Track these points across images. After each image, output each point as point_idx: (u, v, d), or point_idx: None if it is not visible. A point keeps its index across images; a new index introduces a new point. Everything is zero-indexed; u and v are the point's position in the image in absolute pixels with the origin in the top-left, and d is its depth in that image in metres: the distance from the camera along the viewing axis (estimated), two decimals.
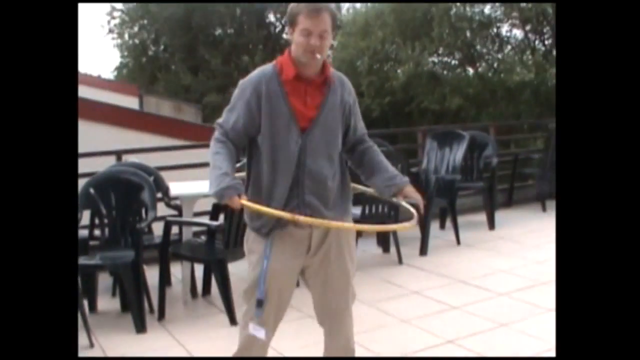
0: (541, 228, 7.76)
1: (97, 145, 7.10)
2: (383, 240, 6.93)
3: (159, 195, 5.62)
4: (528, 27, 18.00)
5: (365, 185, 3.38)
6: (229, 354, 3.25)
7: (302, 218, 2.85)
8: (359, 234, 6.96)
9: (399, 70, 18.62)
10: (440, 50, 18.83)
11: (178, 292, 5.65)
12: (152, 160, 6.35)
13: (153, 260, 5.51)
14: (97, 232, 5.27)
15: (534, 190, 9.52)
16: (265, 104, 2.95)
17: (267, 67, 3.05)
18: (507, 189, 9.43)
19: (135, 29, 27.27)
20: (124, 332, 4.77)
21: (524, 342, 4.34)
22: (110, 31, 27.31)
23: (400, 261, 6.39)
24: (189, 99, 23.32)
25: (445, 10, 17.39)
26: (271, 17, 27.36)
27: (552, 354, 4.08)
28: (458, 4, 17.73)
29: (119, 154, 6.84)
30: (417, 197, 3.21)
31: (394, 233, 6.51)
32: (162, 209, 5.64)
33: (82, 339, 4.46)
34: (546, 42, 18.18)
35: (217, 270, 4.97)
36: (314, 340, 3.40)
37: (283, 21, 27.19)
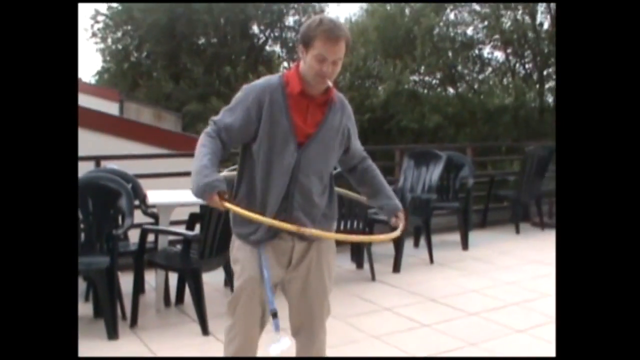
0: (514, 250, 7.87)
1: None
2: (357, 256, 6.98)
3: (137, 202, 5.64)
4: (509, 50, 18.22)
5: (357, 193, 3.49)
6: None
7: (307, 230, 2.91)
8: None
9: (380, 88, 18.77)
10: (422, 69, 19.01)
11: (151, 299, 5.66)
12: (130, 167, 6.37)
13: (128, 267, 5.53)
14: None
15: (509, 212, 9.64)
16: (266, 114, 2.97)
17: (273, 78, 3.08)
18: (482, 210, 9.54)
19: (119, 34, 27.26)
20: (96, 337, 4.77)
21: None
22: (94, 35, 27.27)
23: (373, 278, 6.44)
24: (169, 107, 23.31)
25: (428, 29, 17.56)
26: (255, 29, 27.45)
27: None
28: (441, 24, 17.92)
29: (97, 159, 6.84)
30: (402, 224, 3.35)
31: (369, 250, 6.57)
32: (139, 217, 5.66)
33: None
34: (526, 66, 18.40)
35: (191, 279, 4.99)
36: None
37: (267, 34, 27.29)
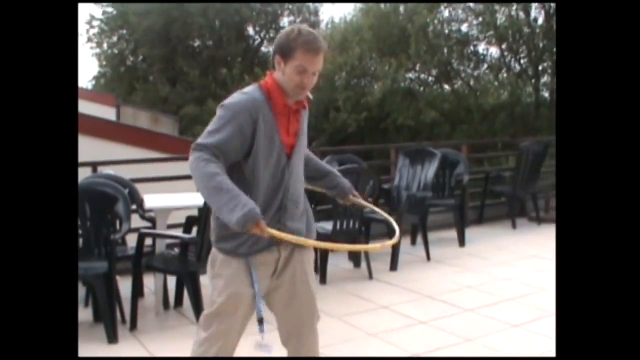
0: (510, 245, 7.92)
1: None
2: (354, 255, 7.03)
3: (134, 207, 5.69)
4: (504, 46, 18.26)
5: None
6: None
7: (322, 244, 2.98)
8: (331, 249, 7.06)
9: (375, 86, 18.81)
10: (417, 67, 19.05)
11: (150, 303, 5.71)
12: (127, 172, 6.41)
13: (126, 272, 5.58)
14: None
15: (505, 208, 9.68)
16: (260, 131, 2.89)
17: (255, 93, 2.96)
18: (478, 206, 9.58)
19: (114, 38, 27.28)
20: (96, 342, 4.82)
21: (488, 356, 4.45)
22: (89, 40, 27.29)
23: (370, 276, 6.49)
24: (166, 110, 23.34)
25: (422, 27, 17.60)
26: (250, 30, 27.48)
27: None
28: (435, 21, 17.96)
29: (94, 165, 6.88)
30: (364, 203, 3.41)
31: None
32: (136, 221, 5.70)
33: None
34: (521, 61, 18.45)
35: (189, 282, 5.04)
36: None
37: (262, 35, 27.31)
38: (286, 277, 3.15)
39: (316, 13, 27.37)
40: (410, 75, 19.53)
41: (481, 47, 19.09)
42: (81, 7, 25.28)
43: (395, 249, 6.87)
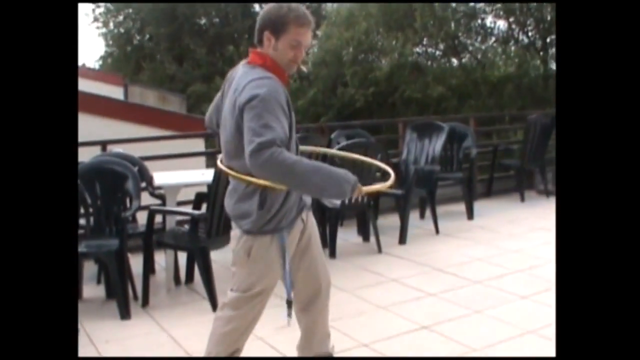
0: (519, 218, 7.94)
1: (82, 136, 7.14)
2: (363, 230, 7.07)
3: (143, 184, 5.73)
4: (512, 19, 18.14)
5: None
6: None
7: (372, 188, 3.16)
8: (341, 223, 7.12)
9: (383, 61, 18.74)
10: (425, 41, 18.96)
11: (162, 279, 5.77)
12: (136, 150, 6.45)
13: (137, 249, 5.63)
14: (82, 221, 5.38)
15: (514, 180, 9.69)
16: (291, 111, 2.96)
17: (270, 77, 2.91)
18: (486, 180, 9.59)
19: (120, 18, 27.23)
20: (109, 318, 4.89)
21: (496, 327, 4.49)
22: (95, 20, 27.26)
23: (379, 250, 6.53)
24: (173, 89, 23.35)
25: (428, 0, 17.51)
26: (256, 7, 27.35)
27: (523, 339, 4.25)
28: None
29: (103, 144, 6.93)
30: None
31: (374, 223, 6.65)
32: (146, 199, 5.75)
33: None
34: (529, 34, 18.33)
35: (199, 258, 5.08)
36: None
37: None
38: (307, 242, 3.23)
39: None
40: (418, 49, 19.43)
41: (488, 21, 18.98)
42: None
43: (404, 222, 6.91)
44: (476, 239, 6.99)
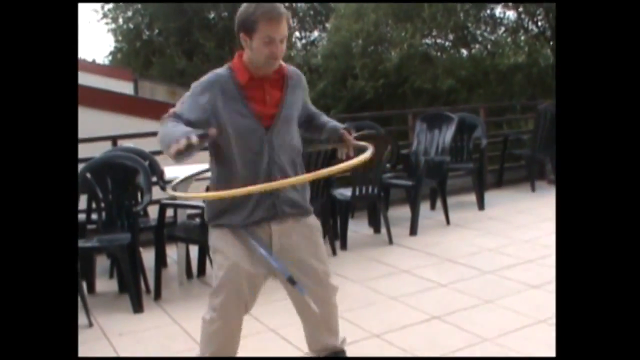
0: (530, 208, 7.93)
1: (93, 131, 7.24)
2: (374, 221, 7.08)
3: (154, 178, 5.75)
4: (521, 9, 18.07)
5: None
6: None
7: (281, 182, 2.92)
8: (352, 215, 7.13)
9: (392, 52, 18.70)
10: (434, 32, 18.90)
11: (174, 273, 5.80)
12: (147, 145, 6.47)
13: (149, 243, 5.67)
14: (94, 216, 5.42)
15: (524, 170, 9.67)
16: (221, 104, 2.96)
17: (220, 70, 3.06)
18: (497, 170, 9.58)
19: (129, 13, 27.21)
20: (122, 312, 4.93)
21: (507, 317, 4.49)
22: (104, 16, 27.25)
23: (390, 241, 6.54)
24: (183, 83, 23.29)
25: None
26: None
27: (533, 328, 4.26)
28: None
29: (114, 139, 6.96)
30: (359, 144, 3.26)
31: (385, 214, 6.66)
32: (157, 192, 5.77)
33: (82, 318, 4.62)
34: (539, 24, 18.26)
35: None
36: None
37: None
38: (290, 252, 3.16)
39: None
40: (427, 40, 19.37)
41: (497, 11, 18.90)
42: None
43: (415, 213, 6.92)
44: (487, 229, 6.99)
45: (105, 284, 5.62)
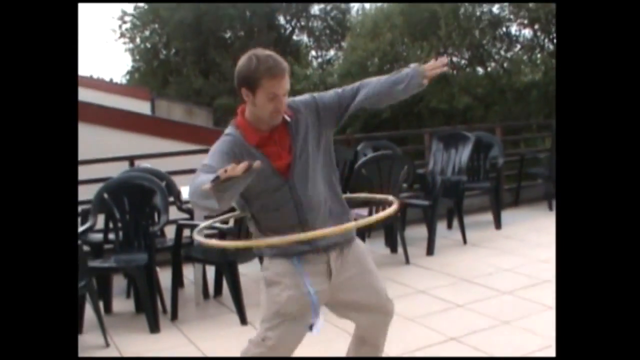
0: (547, 227, 7.85)
1: (110, 151, 7.29)
2: (391, 241, 7.07)
3: (171, 199, 5.78)
4: (537, 26, 18.09)
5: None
6: (239, 352, 3.22)
7: (318, 233, 2.87)
8: (368, 235, 7.13)
9: None
10: (449, 50, 18.94)
11: (190, 293, 5.80)
12: (164, 165, 6.51)
13: (166, 263, 5.68)
14: (111, 236, 5.44)
15: (541, 189, 9.63)
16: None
17: (230, 134, 2.97)
18: (514, 189, 9.55)
19: (147, 32, 27.50)
20: (138, 332, 4.93)
21: (525, 339, 4.46)
22: (122, 35, 27.55)
23: (407, 261, 6.52)
24: (200, 102, 23.49)
25: (453, 9, 17.48)
26: (281, 20, 27.54)
27: (552, 350, 4.22)
28: (466, 4, 17.83)
29: (131, 159, 7.00)
30: (438, 64, 3.22)
31: (402, 234, 6.65)
32: (174, 213, 5.79)
33: (98, 339, 4.64)
34: (555, 41, 18.25)
35: (228, 271, 5.12)
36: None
37: (293, 24, 27.34)
38: (346, 275, 3.13)
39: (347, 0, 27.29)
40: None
41: (513, 29, 18.93)
42: (113, 4, 25.55)
43: (431, 233, 6.90)
44: (504, 248, 6.96)
45: (122, 304, 5.63)
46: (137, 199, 5.41)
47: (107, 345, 4.68)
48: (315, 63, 26.76)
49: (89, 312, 4.81)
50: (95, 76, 20.26)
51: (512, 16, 18.17)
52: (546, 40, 18.39)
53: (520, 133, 13.59)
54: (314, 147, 3.05)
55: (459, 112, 17.30)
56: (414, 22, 18.71)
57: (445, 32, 17.46)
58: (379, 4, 22.09)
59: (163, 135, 10.50)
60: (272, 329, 3.02)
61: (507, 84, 17.18)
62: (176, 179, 6.20)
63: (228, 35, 26.98)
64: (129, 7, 27.22)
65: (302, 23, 27.82)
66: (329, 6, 26.78)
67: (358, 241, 3.28)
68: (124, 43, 27.83)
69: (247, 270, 5.41)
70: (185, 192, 5.75)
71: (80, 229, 5.14)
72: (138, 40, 27.73)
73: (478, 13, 18.30)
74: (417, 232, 7.45)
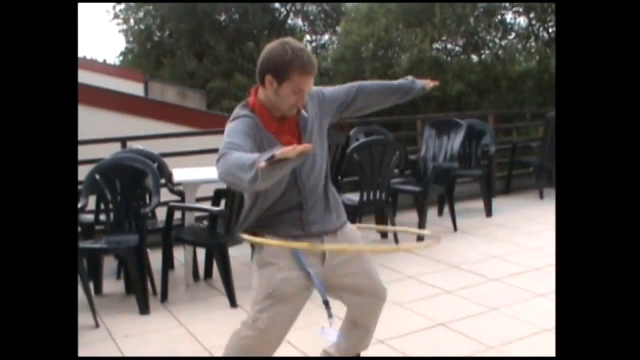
0: (537, 216, 7.91)
1: (103, 132, 7.29)
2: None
3: (163, 181, 5.79)
4: (532, 15, 18.08)
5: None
6: (229, 335, 3.25)
7: (324, 247, 3.02)
8: (359, 220, 7.13)
9: (402, 57, 18.71)
10: (444, 37, 18.92)
11: (181, 275, 5.82)
12: (156, 147, 6.51)
13: (157, 245, 5.69)
14: (102, 217, 5.44)
15: (533, 178, 9.66)
16: (263, 149, 2.84)
17: (249, 116, 2.92)
18: (505, 177, 9.58)
19: (141, 14, 27.32)
20: (128, 313, 4.95)
21: (512, 325, 4.50)
22: (116, 16, 27.37)
23: None
24: (193, 85, 23.40)
25: None
26: (276, 4, 27.39)
27: (539, 337, 4.26)
28: None
29: (124, 141, 6.99)
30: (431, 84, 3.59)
31: (392, 220, 6.68)
32: (165, 195, 5.80)
33: (88, 319, 4.65)
34: (550, 30, 18.25)
35: (218, 254, 5.13)
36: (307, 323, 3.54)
37: (288, 8, 27.24)
38: (340, 259, 3.15)
39: None
40: (437, 45, 19.39)
41: (509, 17, 18.91)
42: None
43: (422, 219, 6.93)
44: (494, 236, 6.99)
45: (113, 285, 5.64)
46: (129, 180, 5.41)
47: (97, 326, 4.69)
48: (309, 47, 26.67)
49: (79, 293, 4.81)
50: (89, 57, 20.12)
51: (507, 4, 18.15)
52: (541, 29, 18.38)
53: (513, 121, 13.63)
54: (317, 138, 3.08)
55: (453, 99, 17.29)
56: (409, 8, 18.66)
57: (440, 19, 17.42)
58: None
59: (156, 117, 10.50)
60: (264, 311, 3.04)
61: (502, 72, 17.17)
62: (168, 161, 6.21)
63: (223, 18, 26.83)
64: None
65: (297, 7, 27.70)
66: None
67: (351, 226, 3.31)
68: (118, 24, 27.64)
69: (238, 254, 5.43)
70: (177, 175, 5.77)
71: None
72: (132, 21, 27.55)
73: (473, 2, 18.28)
74: (408, 218, 7.47)
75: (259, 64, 2.93)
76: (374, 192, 6.40)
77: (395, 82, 3.49)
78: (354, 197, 6.42)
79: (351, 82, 3.34)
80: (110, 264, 5.82)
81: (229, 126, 2.90)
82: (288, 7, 27.41)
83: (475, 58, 19.58)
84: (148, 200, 5.45)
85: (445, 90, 17.21)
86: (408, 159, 7.67)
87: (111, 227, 5.35)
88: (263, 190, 2.87)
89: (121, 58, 28.90)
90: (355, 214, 6.58)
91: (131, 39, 28.08)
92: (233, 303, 5.01)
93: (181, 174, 5.85)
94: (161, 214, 5.67)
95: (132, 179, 5.40)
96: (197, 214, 5.90)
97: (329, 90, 3.23)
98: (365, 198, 6.35)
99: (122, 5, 27.12)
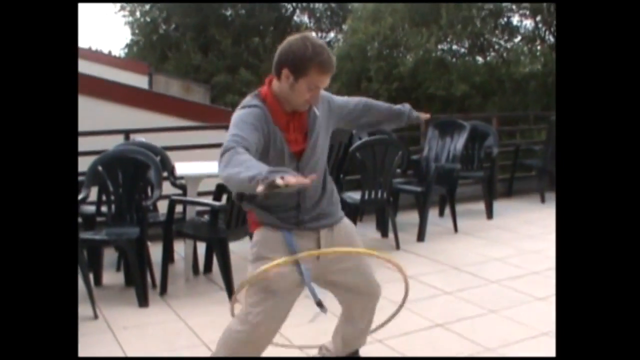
0: (538, 219, 7.91)
1: (106, 124, 7.29)
2: (382, 226, 7.09)
3: (165, 174, 5.79)
4: (538, 18, 18.05)
5: None
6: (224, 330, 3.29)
7: (329, 250, 3.06)
8: (360, 219, 7.14)
9: (408, 56, 18.70)
10: (450, 38, 18.90)
11: (180, 268, 5.82)
12: (159, 140, 6.51)
13: (157, 237, 5.69)
14: (104, 209, 5.44)
15: (535, 181, 9.65)
16: (271, 143, 2.90)
17: (258, 107, 2.92)
18: (507, 179, 9.57)
19: (147, 6, 27.30)
20: (127, 305, 4.95)
21: (510, 328, 4.49)
22: (122, 8, 27.37)
23: (397, 246, 6.54)
24: (198, 79, 23.39)
25: None
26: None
27: (536, 340, 4.26)
28: None
29: (127, 133, 6.99)
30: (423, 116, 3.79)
31: (393, 219, 6.68)
32: (167, 188, 5.80)
33: (87, 310, 4.66)
34: (556, 33, 18.23)
35: (218, 248, 5.13)
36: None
37: (294, 4, 27.21)
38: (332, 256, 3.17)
39: None
40: (443, 46, 19.37)
41: (515, 19, 18.89)
42: None
43: (423, 219, 6.93)
44: (495, 238, 6.99)
45: (112, 277, 5.65)
46: (131, 172, 5.41)
47: (96, 317, 4.70)
48: None
49: (78, 283, 4.82)
50: (94, 48, 20.11)
51: (514, 7, 18.12)
52: (547, 32, 18.36)
53: (516, 124, 13.60)
54: (322, 138, 3.11)
55: (457, 100, 17.27)
56: (415, 7, 18.64)
57: (446, 20, 17.40)
58: None
59: (160, 110, 10.49)
60: (257, 305, 3.05)
61: (506, 74, 17.15)
62: (171, 155, 6.21)
63: (229, 13, 26.81)
64: None
65: (304, 4, 27.68)
66: None
67: (347, 221, 3.33)
68: (124, 16, 27.64)
69: (238, 248, 5.42)
70: (179, 168, 5.77)
71: None
72: (138, 13, 27.55)
73: (479, 3, 18.26)
74: (408, 218, 7.48)
75: (276, 55, 2.92)
76: (376, 191, 6.40)
77: (396, 107, 3.63)
78: (355, 196, 6.42)
79: (356, 95, 3.49)
80: (110, 255, 5.83)
81: (237, 113, 2.90)
82: (294, 4, 27.37)
83: (480, 59, 19.57)
84: (150, 193, 5.46)
85: (449, 90, 17.21)
86: (410, 159, 7.67)
87: (112, 219, 5.35)
88: None
89: (126, 50, 28.87)
90: (356, 213, 6.59)
91: (137, 31, 28.06)
92: (231, 297, 5.01)
93: (183, 167, 5.85)
94: (162, 206, 5.67)
95: (134, 171, 5.40)
96: (198, 208, 5.90)
97: (337, 97, 3.28)
98: (366, 197, 6.35)
99: None
